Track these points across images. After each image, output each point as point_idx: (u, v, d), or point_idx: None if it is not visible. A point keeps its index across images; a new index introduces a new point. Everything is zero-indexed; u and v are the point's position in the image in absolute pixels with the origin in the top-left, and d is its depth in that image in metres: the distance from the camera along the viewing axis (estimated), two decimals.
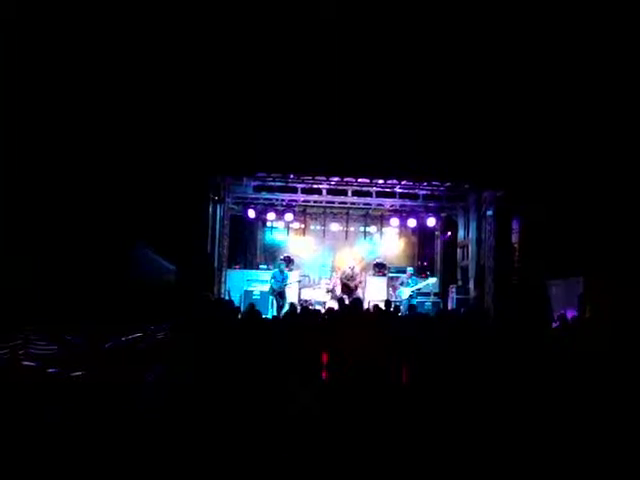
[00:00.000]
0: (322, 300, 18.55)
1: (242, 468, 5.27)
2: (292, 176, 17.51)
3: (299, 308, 15.57)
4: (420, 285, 18.26)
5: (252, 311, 9.55)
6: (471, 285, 18.19)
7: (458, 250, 19.91)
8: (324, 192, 18.56)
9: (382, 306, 11.79)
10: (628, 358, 7.35)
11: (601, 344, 8.15)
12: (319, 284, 19.77)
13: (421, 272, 19.75)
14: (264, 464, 5.34)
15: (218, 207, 17.88)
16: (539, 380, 6.92)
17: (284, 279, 17.50)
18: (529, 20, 13.16)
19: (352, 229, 21.42)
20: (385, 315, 11.10)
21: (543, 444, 5.66)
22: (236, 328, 8.71)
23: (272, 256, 20.71)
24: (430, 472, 5.34)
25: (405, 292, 18.11)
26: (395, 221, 20.12)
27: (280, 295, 17.14)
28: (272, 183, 18.16)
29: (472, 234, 18.38)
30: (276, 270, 17.73)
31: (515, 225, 16.12)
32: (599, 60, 13.07)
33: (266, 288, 17.57)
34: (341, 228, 21.23)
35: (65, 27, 11.71)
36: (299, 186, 18.30)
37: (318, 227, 21.33)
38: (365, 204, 20.04)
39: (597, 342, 8.31)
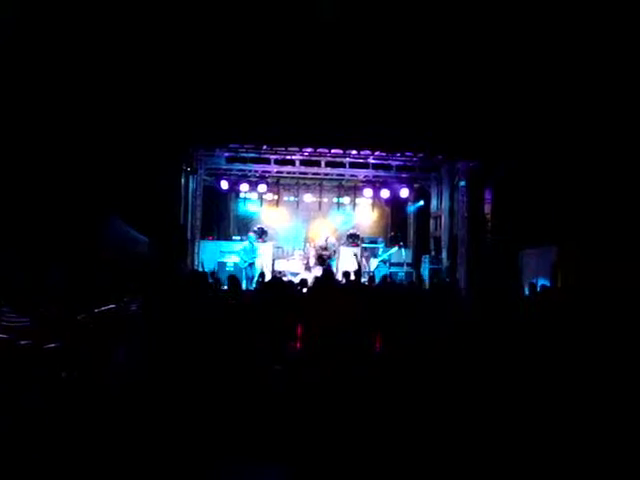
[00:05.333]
0: (296, 271, 18.58)
1: (214, 440, 5.30)
2: (265, 147, 17.41)
3: (269, 276, 15.67)
4: (384, 255, 18.43)
5: (234, 282, 9.59)
6: (444, 255, 18.32)
7: (431, 220, 20.01)
8: (297, 163, 18.50)
9: (352, 275, 11.85)
10: (599, 325, 7.48)
11: (572, 312, 8.27)
12: (293, 255, 19.79)
13: (394, 242, 19.81)
14: (240, 436, 5.37)
15: (191, 178, 17.74)
16: (510, 346, 7.02)
17: (254, 251, 17.56)
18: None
19: (326, 200, 21.45)
20: (357, 284, 11.17)
21: (511, 409, 5.77)
22: (213, 300, 8.72)
23: (245, 227, 20.66)
24: (402, 435, 5.42)
25: (373, 262, 18.30)
26: (368, 192, 20.22)
27: (250, 267, 17.18)
28: (245, 154, 18.05)
29: (445, 204, 18.48)
30: (247, 243, 17.74)
31: (488, 195, 16.22)
32: (574, 35, 13.09)
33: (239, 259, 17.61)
34: (315, 199, 21.24)
35: None
36: (272, 157, 18.23)
37: (291, 198, 21.34)
38: (338, 175, 20.03)
39: (568, 310, 8.44)
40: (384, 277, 13.99)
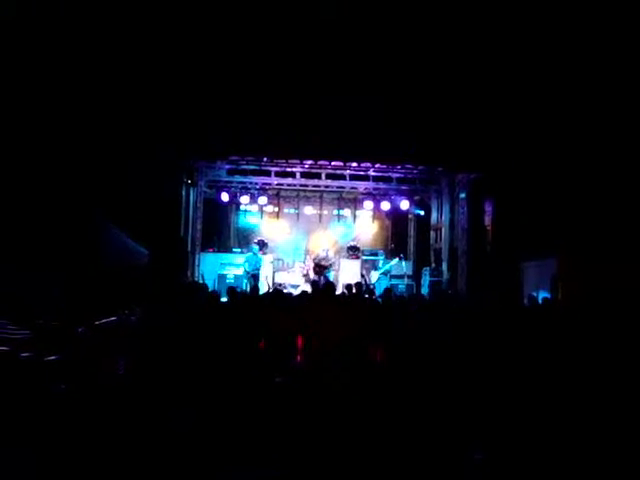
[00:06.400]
0: (296, 283, 18.57)
1: (216, 452, 5.27)
2: (265, 159, 17.44)
3: (269, 289, 15.60)
4: (385, 267, 18.43)
5: (233, 294, 9.58)
6: (444, 267, 18.31)
7: (431, 232, 20.01)
8: (298, 175, 18.51)
9: (353, 288, 11.82)
10: (598, 338, 7.46)
11: (573, 324, 8.26)
12: (293, 267, 19.79)
13: (394, 255, 19.81)
14: (241, 448, 5.35)
15: (191, 190, 17.77)
16: (511, 357, 7.01)
17: (257, 262, 17.55)
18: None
19: (326, 212, 21.43)
20: (357, 297, 11.15)
21: (513, 419, 5.75)
22: (212, 312, 8.70)
23: (246, 240, 20.67)
24: (406, 448, 5.39)
25: (374, 275, 18.30)
26: (369, 204, 20.21)
27: (254, 278, 17.16)
28: (245, 166, 18.07)
29: (445, 216, 18.49)
30: (250, 254, 17.77)
31: (488, 207, 16.23)
32: (573, 41, 13.12)
33: (240, 272, 17.59)
34: (315, 211, 21.22)
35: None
36: (272, 169, 18.24)
37: (292, 210, 21.32)
38: (339, 187, 20.06)
39: (569, 322, 8.42)
40: (387, 290, 13.92)
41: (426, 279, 18.49)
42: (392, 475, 5.10)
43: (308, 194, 21.07)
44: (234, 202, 20.11)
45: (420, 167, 17.68)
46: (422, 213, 20.47)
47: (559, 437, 5.48)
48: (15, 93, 11.49)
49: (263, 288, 14.89)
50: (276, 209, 21.15)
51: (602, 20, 12.54)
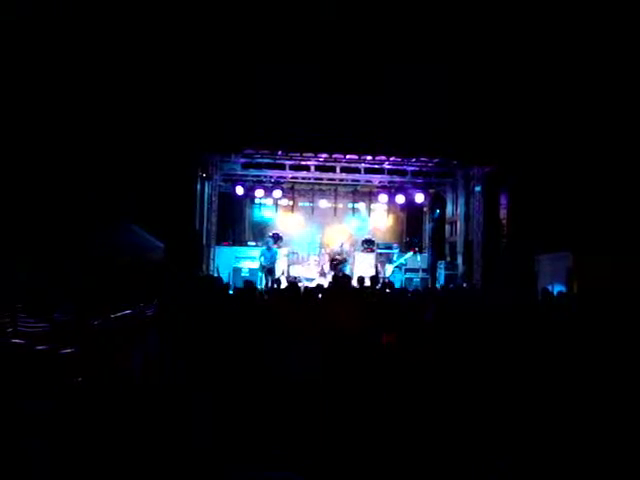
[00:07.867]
0: (311, 277, 18.59)
1: (233, 445, 5.29)
2: (280, 153, 17.43)
3: (285, 282, 15.66)
4: (400, 261, 18.45)
5: (250, 288, 9.58)
6: (459, 261, 18.28)
7: (446, 226, 19.98)
8: (312, 169, 18.50)
9: (368, 281, 11.82)
10: (615, 333, 7.41)
11: (588, 318, 8.21)
12: (308, 261, 19.82)
13: (409, 248, 19.81)
14: (259, 441, 5.37)
15: (206, 184, 17.83)
16: (523, 350, 6.98)
17: (273, 256, 17.56)
18: None
19: (341, 206, 21.44)
20: (371, 290, 11.15)
21: (524, 413, 5.73)
22: (228, 305, 8.73)
23: (261, 233, 20.73)
24: (416, 432, 5.39)
25: (389, 268, 18.33)
26: (384, 197, 20.19)
27: (269, 272, 17.18)
28: (260, 160, 18.09)
29: (460, 210, 18.44)
30: (265, 247, 17.78)
31: (503, 200, 16.16)
32: (584, 37, 13.03)
33: (255, 265, 17.63)
34: (330, 205, 21.23)
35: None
36: (287, 163, 18.23)
37: (307, 204, 21.34)
38: (354, 180, 20.06)
39: (584, 316, 8.38)
40: (388, 283, 13.92)
41: (441, 272, 18.46)
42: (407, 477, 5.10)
43: (323, 187, 21.09)
44: (249, 196, 20.15)
45: (435, 160, 17.63)
46: (438, 212, 20.49)
47: (584, 436, 5.45)
48: (39, 84, 11.57)
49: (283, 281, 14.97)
50: (291, 202, 21.19)
51: (610, 15, 12.44)
